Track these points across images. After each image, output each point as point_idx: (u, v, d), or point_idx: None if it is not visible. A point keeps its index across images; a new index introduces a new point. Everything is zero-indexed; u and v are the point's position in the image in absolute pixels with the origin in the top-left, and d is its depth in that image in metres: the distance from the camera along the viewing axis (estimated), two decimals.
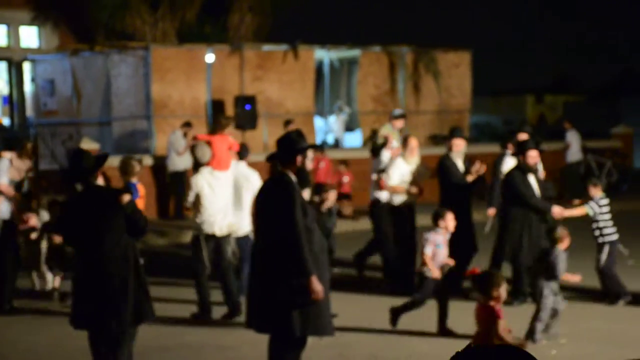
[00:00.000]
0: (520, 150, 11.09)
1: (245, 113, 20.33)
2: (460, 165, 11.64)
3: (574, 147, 21.97)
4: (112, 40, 22.76)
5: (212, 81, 21.14)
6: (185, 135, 18.78)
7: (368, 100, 23.62)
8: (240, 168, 11.24)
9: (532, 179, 11.02)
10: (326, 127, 23.74)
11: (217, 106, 21.16)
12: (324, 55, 23.40)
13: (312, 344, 7.66)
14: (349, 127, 25.09)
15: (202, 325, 10.15)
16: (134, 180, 10.62)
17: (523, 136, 11.93)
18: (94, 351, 7.45)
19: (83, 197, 7.44)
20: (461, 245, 10.77)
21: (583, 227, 11.81)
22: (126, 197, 7.35)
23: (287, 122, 19.06)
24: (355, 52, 23.77)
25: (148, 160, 18.99)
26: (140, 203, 10.11)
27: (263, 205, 7.39)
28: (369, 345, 9.26)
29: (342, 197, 18.26)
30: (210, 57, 21.01)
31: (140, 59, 20.83)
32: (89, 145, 18.55)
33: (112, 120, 21.32)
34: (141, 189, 10.89)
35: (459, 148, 11.62)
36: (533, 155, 10.91)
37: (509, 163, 12.11)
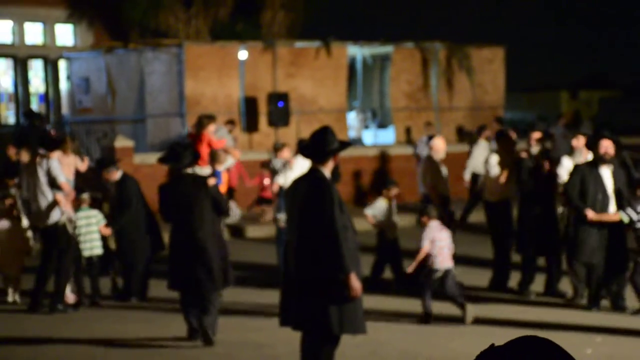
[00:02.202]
0: (593, 142, 10.63)
1: (278, 110, 20.37)
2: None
3: None
4: (146, 38, 22.89)
5: (245, 78, 21.20)
6: (230, 132, 18.85)
7: (401, 96, 23.57)
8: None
9: (605, 171, 10.53)
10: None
11: (250, 103, 21.23)
12: (357, 51, 23.38)
13: (345, 341, 7.65)
14: (382, 124, 25.08)
15: (237, 323, 10.18)
16: (220, 168, 11.90)
17: (536, 135, 11.67)
18: (186, 311, 9.15)
19: (179, 182, 9.19)
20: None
21: None
22: (211, 181, 9.29)
23: (230, 122, 18.99)
24: (387, 49, 23.72)
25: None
26: (223, 188, 11.33)
27: (298, 202, 7.29)
28: (402, 342, 9.24)
29: (262, 201, 17.60)
30: (243, 54, 21.07)
31: (173, 57, 20.93)
32: (123, 142, 18.71)
33: (146, 118, 21.46)
34: (224, 176, 12.26)
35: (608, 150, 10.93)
36: (605, 146, 10.56)
37: (483, 152, 11.92)
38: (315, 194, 7.16)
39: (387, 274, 12.01)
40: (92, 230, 11.40)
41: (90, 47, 24.02)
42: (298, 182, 7.47)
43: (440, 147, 12.29)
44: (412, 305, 10.43)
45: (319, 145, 7.27)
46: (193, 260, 9.00)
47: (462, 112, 24.03)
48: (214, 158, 11.94)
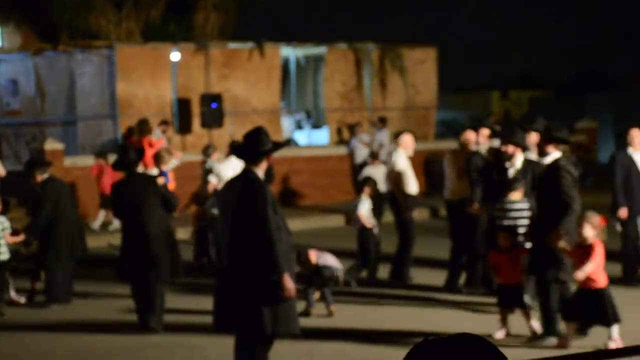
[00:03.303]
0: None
1: (212, 111, 20.24)
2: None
3: None
4: (76, 40, 22.57)
5: (177, 80, 21.03)
6: (164, 132, 18.77)
7: (335, 97, 23.62)
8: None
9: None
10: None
11: (183, 105, 21.07)
12: (290, 52, 23.36)
13: (279, 342, 7.62)
14: (317, 125, 25.10)
15: (170, 325, 10.08)
16: (165, 168, 12.22)
17: (485, 131, 11.77)
18: (137, 299, 9.75)
19: (129, 181, 9.81)
20: None
21: None
22: (160, 180, 10.06)
23: (163, 122, 19.02)
24: (321, 50, 23.76)
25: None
26: (171, 186, 11.65)
27: (231, 203, 7.26)
28: (337, 341, 9.24)
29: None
30: (175, 56, 20.90)
31: (104, 58, 20.68)
32: (53, 145, 18.40)
33: (76, 120, 21.14)
34: (171, 175, 12.58)
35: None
36: (634, 135, 10.72)
37: (402, 157, 12.01)
38: (248, 195, 7.14)
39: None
40: None
41: (18, 49, 23.57)
42: (231, 182, 7.45)
43: (409, 143, 12.25)
44: (347, 303, 10.41)
45: (252, 145, 7.26)
46: (141, 253, 9.64)
47: (396, 112, 24.16)
48: (159, 159, 12.32)
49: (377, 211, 12.71)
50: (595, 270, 8.41)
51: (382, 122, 21.72)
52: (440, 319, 10.05)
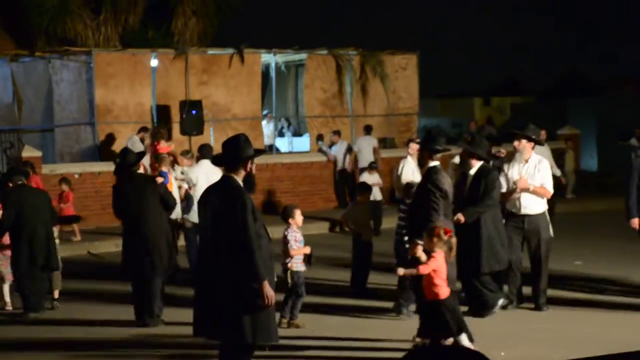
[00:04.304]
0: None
1: (191, 118, 20.05)
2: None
3: None
4: (53, 46, 22.35)
5: (157, 86, 20.84)
6: (142, 140, 18.62)
7: (316, 104, 23.48)
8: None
9: None
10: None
11: (162, 111, 20.87)
12: (271, 59, 23.22)
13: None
14: (297, 132, 24.97)
15: (149, 333, 9.90)
16: (165, 169, 12.78)
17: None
18: (136, 294, 10.28)
19: (129, 182, 10.35)
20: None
21: None
22: (159, 180, 10.72)
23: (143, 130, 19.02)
24: (301, 56, 23.63)
25: (107, 167, 18.84)
26: (169, 187, 11.99)
27: (211, 210, 7.21)
28: (314, 350, 9.08)
29: (64, 220, 15.80)
30: (154, 62, 20.71)
31: (82, 64, 20.47)
32: (31, 153, 18.18)
33: (54, 127, 20.91)
34: (170, 176, 12.90)
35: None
36: None
37: (410, 165, 11.97)
38: (228, 202, 7.11)
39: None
40: None
41: None
42: (211, 189, 7.43)
43: (416, 150, 12.16)
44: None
45: (232, 152, 7.24)
46: (141, 251, 10.14)
47: (377, 118, 24.05)
48: (158, 160, 13.02)
49: (373, 218, 12.72)
50: (436, 282, 8.34)
51: (337, 134, 21.71)
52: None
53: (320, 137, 22.47)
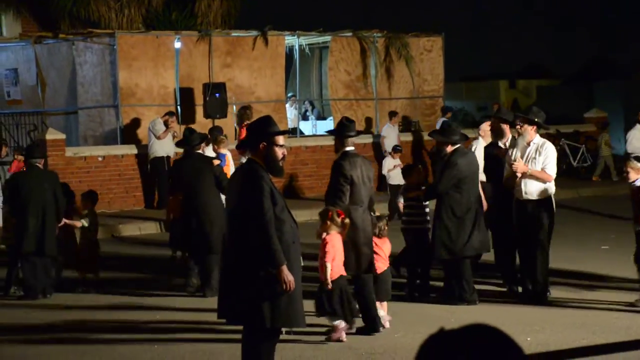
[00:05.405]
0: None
1: (215, 101, 19.91)
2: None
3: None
4: (77, 28, 22.27)
5: (180, 69, 20.73)
6: (166, 123, 18.59)
7: (340, 86, 23.28)
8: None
9: None
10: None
11: (186, 94, 20.76)
12: (295, 41, 23.02)
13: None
14: (321, 116, 24.80)
15: (176, 317, 9.87)
16: (224, 151, 13.15)
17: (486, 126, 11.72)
18: (189, 268, 10.97)
19: (189, 158, 11.28)
20: None
21: None
22: (215, 162, 11.48)
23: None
24: (326, 38, 23.43)
25: (130, 150, 18.91)
26: (226, 169, 12.40)
27: (232, 195, 7.21)
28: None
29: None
30: (177, 44, 20.60)
31: (106, 47, 20.39)
32: (54, 135, 18.16)
33: (78, 110, 20.86)
34: (228, 159, 13.29)
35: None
36: None
37: (480, 147, 11.82)
38: (245, 185, 7.02)
39: None
40: None
41: (18, 38, 23.26)
42: (234, 173, 7.47)
43: (488, 131, 11.93)
44: None
45: (253, 134, 7.15)
46: (197, 224, 10.86)
47: (402, 101, 23.83)
48: (217, 142, 13.34)
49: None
50: (331, 263, 8.55)
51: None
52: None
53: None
